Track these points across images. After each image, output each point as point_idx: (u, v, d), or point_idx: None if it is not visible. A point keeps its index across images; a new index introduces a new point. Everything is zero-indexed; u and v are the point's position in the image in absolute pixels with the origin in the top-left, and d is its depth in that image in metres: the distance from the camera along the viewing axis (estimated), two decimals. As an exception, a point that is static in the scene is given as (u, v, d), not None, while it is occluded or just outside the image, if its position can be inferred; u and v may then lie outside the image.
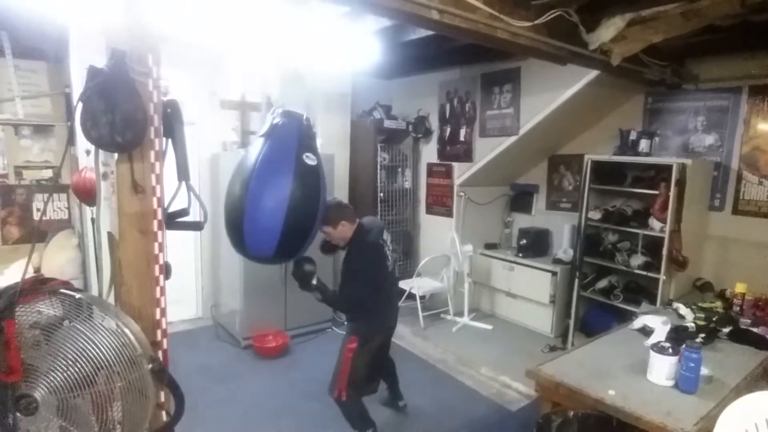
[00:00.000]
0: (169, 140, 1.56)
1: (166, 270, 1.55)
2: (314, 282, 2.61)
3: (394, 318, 2.99)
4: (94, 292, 1.91)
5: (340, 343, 2.86)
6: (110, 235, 1.57)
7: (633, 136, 3.92)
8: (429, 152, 5.60)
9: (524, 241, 4.91)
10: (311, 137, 2.17)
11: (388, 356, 3.25)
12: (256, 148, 2.13)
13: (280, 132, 2.10)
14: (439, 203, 5.38)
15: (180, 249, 4.50)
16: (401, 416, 3.27)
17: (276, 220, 1.97)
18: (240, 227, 2.06)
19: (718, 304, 3.22)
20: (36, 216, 4.50)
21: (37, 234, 4.32)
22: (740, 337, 2.70)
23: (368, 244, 2.73)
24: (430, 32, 3.01)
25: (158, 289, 1.52)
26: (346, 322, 2.89)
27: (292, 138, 2.07)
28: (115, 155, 1.46)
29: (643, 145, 3.85)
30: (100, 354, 1.27)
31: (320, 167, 2.14)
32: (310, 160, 2.03)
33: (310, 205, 2.05)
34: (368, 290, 2.65)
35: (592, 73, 3.64)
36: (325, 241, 2.85)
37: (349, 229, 2.70)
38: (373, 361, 2.87)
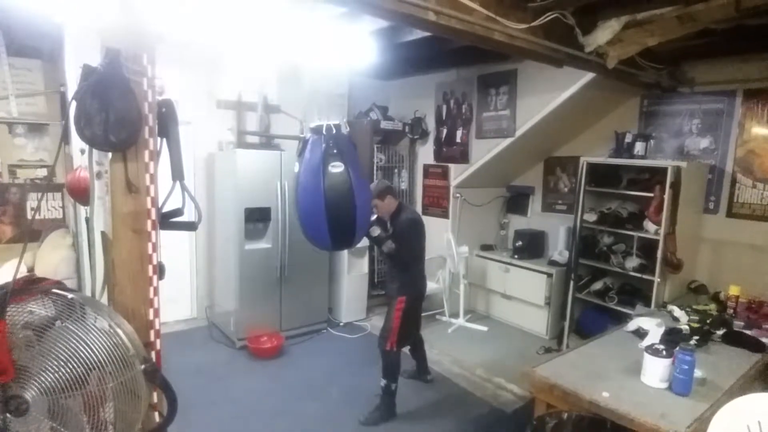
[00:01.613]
0: (164, 140, 1.55)
1: (160, 270, 1.54)
2: (390, 240, 3.13)
3: (426, 286, 3.51)
4: (88, 291, 1.90)
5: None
6: (104, 234, 1.56)
7: (628, 138, 3.94)
8: (425, 153, 5.60)
9: (520, 243, 4.92)
10: (336, 145, 2.45)
11: (419, 334, 3.66)
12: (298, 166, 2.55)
13: (309, 147, 2.48)
14: (436, 204, 5.38)
15: (175, 249, 4.48)
16: (396, 418, 3.26)
17: (321, 222, 2.43)
18: (305, 228, 2.53)
19: (712, 307, 3.24)
20: (30, 215, 4.47)
21: (30, 233, 4.30)
22: (734, 339, 2.71)
23: (414, 214, 3.40)
24: (427, 34, 3.01)
25: (151, 289, 1.51)
26: (391, 286, 3.40)
27: (318, 151, 2.43)
28: (109, 154, 1.45)
29: (639, 147, 3.87)
30: (93, 354, 1.26)
31: (348, 172, 2.45)
32: (335, 168, 2.39)
33: (344, 203, 2.44)
34: (418, 251, 3.31)
35: (588, 76, 3.65)
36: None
37: (393, 203, 3.24)
38: (414, 321, 3.43)
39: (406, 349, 3.53)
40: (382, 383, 3.23)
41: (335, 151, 2.40)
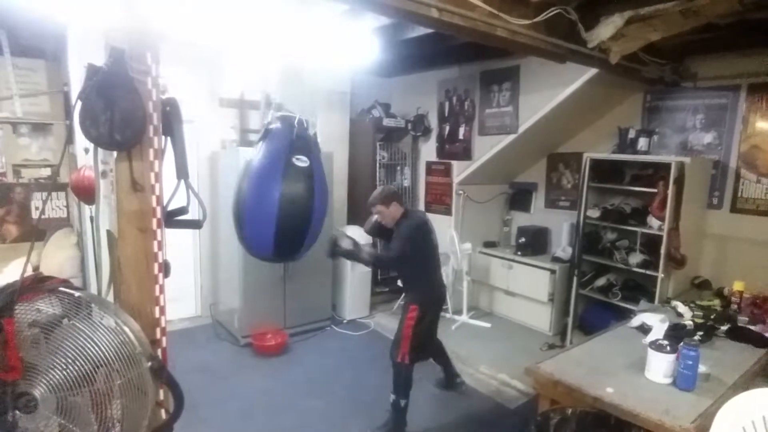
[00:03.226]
0: (168, 138, 1.56)
1: (165, 268, 1.55)
2: (341, 248, 2.97)
3: (444, 298, 3.38)
4: (93, 290, 1.91)
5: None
6: (109, 233, 1.58)
7: (632, 134, 3.92)
8: (428, 150, 5.60)
9: (523, 240, 4.92)
10: (304, 138, 2.20)
11: (436, 338, 3.48)
12: (254, 152, 2.24)
13: (273, 136, 2.20)
14: (438, 201, 5.38)
15: (179, 247, 4.50)
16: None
17: (269, 221, 2.06)
18: (243, 226, 2.20)
19: (716, 302, 3.23)
20: (35, 214, 4.50)
21: (36, 232, 4.32)
22: (738, 334, 2.71)
23: (418, 219, 3.13)
24: (429, 30, 3.01)
25: (157, 287, 1.52)
26: (406, 293, 3.29)
27: (284, 141, 2.14)
28: (114, 153, 1.46)
29: (642, 143, 3.86)
30: (100, 352, 1.27)
31: (314, 168, 2.18)
32: (301, 162, 2.09)
33: (301, 205, 2.11)
34: (412, 253, 2.97)
35: (591, 71, 3.64)
36: (333, 246, 3.03)
37: (398, 211, 3.06)
38: (428, 331, 3.21)
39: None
40: (392, 398, 3.01)
41: (302, 144, 2.16)
